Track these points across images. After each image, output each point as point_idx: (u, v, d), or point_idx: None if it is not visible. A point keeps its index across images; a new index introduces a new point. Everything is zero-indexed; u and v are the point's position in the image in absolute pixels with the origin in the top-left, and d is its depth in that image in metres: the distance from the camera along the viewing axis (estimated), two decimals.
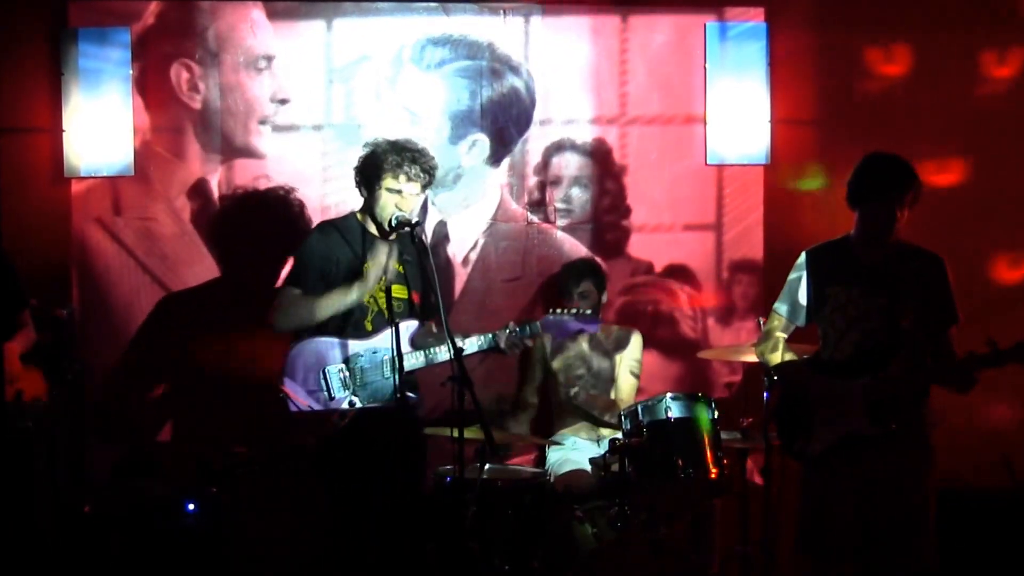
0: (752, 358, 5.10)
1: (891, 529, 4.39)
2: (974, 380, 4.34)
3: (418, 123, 5.96)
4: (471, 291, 6.10)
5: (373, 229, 5.01)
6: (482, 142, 6.08)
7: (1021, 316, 5.83)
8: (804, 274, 4.62)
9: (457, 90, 6.06)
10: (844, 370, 4.46)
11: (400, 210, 4.85)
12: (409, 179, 4.88)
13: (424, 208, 5.97)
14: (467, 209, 6.10)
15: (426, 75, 6.05)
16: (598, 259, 6.03)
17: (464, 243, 6.11)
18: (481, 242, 6.12)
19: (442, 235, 6.07)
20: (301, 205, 5.95)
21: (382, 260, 4.80)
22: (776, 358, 4.69)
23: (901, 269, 4.46)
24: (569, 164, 6.19)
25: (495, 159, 6.11)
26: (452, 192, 6.08)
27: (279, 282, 5.53)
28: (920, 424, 4.47)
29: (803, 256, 4.67)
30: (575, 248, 6.16)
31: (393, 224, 4.84)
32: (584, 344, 5.76)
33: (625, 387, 5.79)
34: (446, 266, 6.05)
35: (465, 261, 6.11)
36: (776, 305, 4.72)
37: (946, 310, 4.48)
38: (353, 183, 5.09)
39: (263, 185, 5.95)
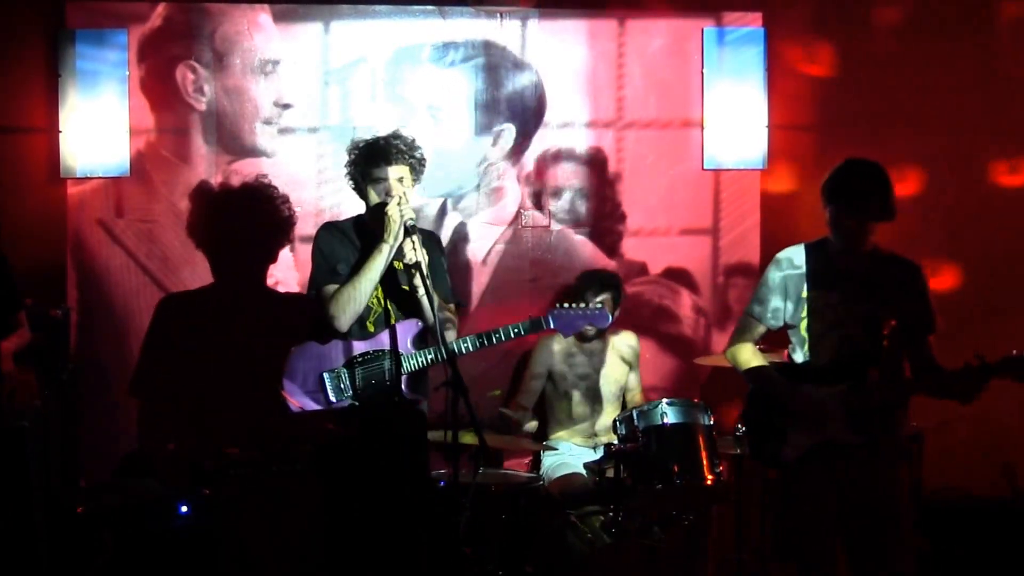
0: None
1: (868, 533, 4.38)
2: (976, 391, 4.27)
3: (413, 121, 5.97)
4: (489, 291, 6.12)
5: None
6: (479, 145, 6.11)
7: None
8: (781, 276, 4.58)
9: (454, 91, 6.08)
10: (822, 376, 4.43)
11: (390, 196, 4.69)
12: (390, 163, 4.78)
13: (443, 211, 6.05)
14: (486, 211, 6.13)
15: (423, 76, 6.07)
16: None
17: (483, 244, 6.14)
18: (499, 244, 6.15)
19: (462, 236, 6.10)
20: (287, 204, 5.96)
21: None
22: (747, 361, 4.64)
23: (881, 275, 4.44)
24: (565, 168, 6.19)
25: (510, 157, 6.14)
26: (472, 194, 6.10)
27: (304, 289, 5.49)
28: (896, 430, 4.48)
29: (780, 257, 4.62)
30: (591, 252, 6.19)
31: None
32: (585, 350, 5.75)
33: (636, 389, 5.83)
34: (465, 267, 6.09)
35: (484, 262, 6.13)
36: (749, 307, 4.67)
37: (925, 318, 4.46)
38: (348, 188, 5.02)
39: (252, 186, 5.96)
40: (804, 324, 4.50)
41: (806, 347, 4.50)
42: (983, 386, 4.25)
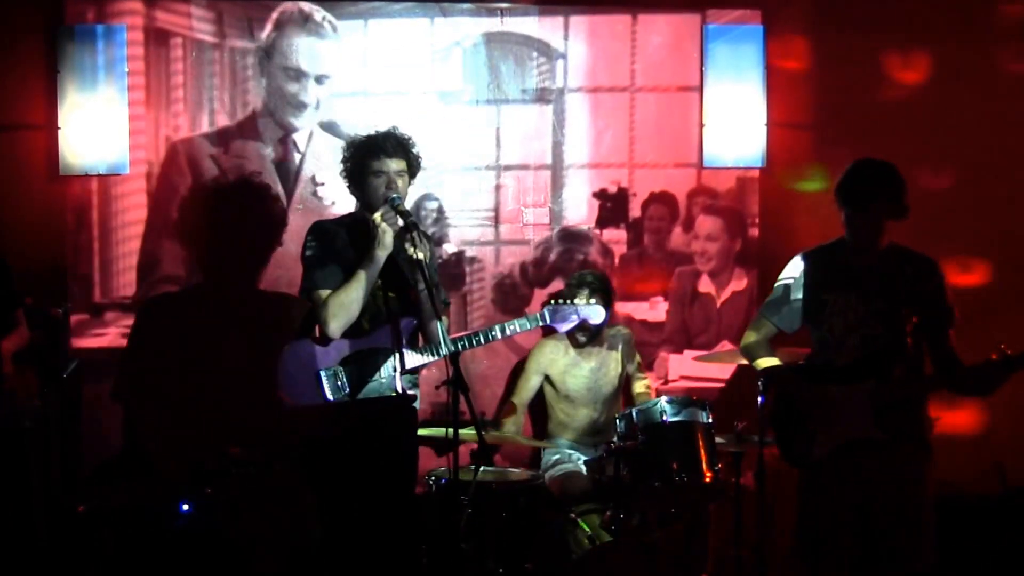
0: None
1: (893, 530, 4.40)
2: (997, 385, 4.31)
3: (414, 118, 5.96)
4: (469, 291, 6.11)
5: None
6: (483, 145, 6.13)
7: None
8: (798, 279, 4.61)
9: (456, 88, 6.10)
10: (845, 375, 4.46)
11: (391, 191, 4.68)
12: (389, 156, 4.73)
13: (441, 209, 6.08)
14: (467, 208, 6.13)
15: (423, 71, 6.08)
16: (604, 270, 6.07)
17: (463, 242, 6.13)
18: (499, 243, 6.15)
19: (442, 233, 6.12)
20: (280, 205, 5.95)
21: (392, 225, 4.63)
22: (760, 359, 4.69)
23: (897, 272, 4.47)
24: (566, 167, 6.20)
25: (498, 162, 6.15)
26: (453, 190, 6.10)
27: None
28: (920, 426, 4.50)
29: (796, 261, 4.65)
30: (591, 250, 6.19)
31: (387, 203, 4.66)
32: (581, 350, 5.75)
33: (639, 386, 5.83)
34: (463, 266, 6.13)
35: (464, 259, 6.13)
36: (764, 310, 4.72)
37: (945, 312, 4.48)
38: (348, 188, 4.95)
39: (247, 184, 5.95)
40: (826, 325, 4.53)
41: (829, 347, 4.53)
42: (1005, 380, 4.29)
